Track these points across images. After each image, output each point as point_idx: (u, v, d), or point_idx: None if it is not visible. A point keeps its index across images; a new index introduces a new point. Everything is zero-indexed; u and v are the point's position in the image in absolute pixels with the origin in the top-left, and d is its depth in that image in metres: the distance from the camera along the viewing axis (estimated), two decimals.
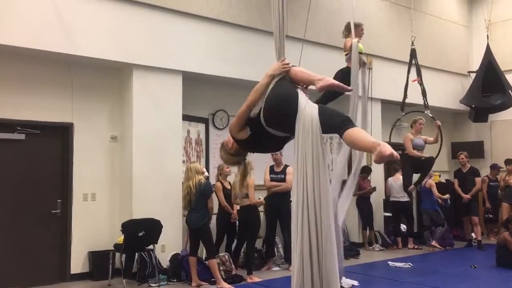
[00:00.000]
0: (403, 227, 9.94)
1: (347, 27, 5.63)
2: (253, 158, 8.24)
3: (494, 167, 10.26)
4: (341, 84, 3.03)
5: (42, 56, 6.48)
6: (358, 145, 2.73)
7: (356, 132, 2.71)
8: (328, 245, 2.83)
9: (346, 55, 5.67)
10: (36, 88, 6.61)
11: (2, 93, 6.33)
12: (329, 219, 2.85)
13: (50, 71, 6.73)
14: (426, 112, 8.20)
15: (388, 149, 2.49)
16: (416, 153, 7.83)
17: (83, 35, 6.51)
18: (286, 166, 7.55)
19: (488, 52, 11.16)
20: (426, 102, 8.17)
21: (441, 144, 8.04)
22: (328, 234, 2.84)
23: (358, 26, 5.60)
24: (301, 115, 2.84)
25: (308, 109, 2.84)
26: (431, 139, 8.07)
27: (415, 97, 8.48)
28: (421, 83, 8.31)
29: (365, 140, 2.65)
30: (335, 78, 5.00)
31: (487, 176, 10.32)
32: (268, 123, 3.00)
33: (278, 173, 7.60)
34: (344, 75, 5.26)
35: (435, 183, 10.04)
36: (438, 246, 9.45)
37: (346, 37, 5.72)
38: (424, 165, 7.93)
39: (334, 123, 2.79)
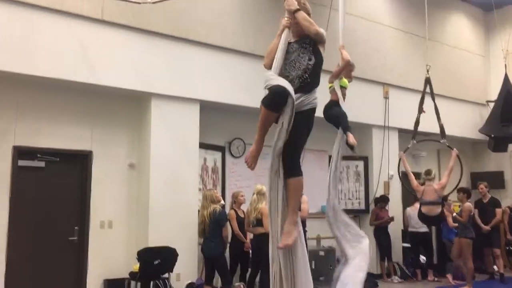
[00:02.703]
0: (422, 258, 9.74)
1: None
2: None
3: None
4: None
5: (64, 85, 6.63)
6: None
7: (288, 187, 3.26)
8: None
9: (330, 87, 5.21)
10: (57, 116, 6.76)
11: (24, 121, 6.48)
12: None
13: (71, 100, 6.88)
14: (413, 142, 8.25)
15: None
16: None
17: (104, 65, 6.68)
18: None
19: (506, 82, 11.08)
20: (443, 133, 8.16)
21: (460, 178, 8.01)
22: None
23: (349, 66, 5.08)
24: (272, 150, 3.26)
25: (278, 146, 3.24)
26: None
27: (429, 125, 8.45)
28: (420, 112, 8.32)
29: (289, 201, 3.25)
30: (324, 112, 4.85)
31: (508, 207, 10.11)
32: None
33: None
34: (327, 110, 4.98)
35: (456, 213, 9.83)
36: (452, 282, 9.19)
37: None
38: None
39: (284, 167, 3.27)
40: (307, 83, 3.36)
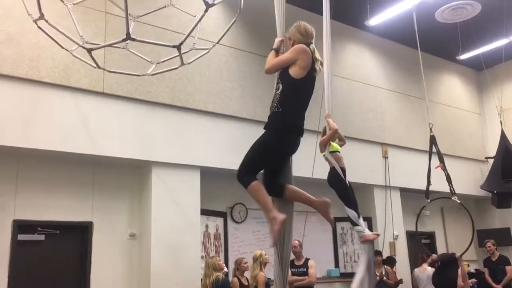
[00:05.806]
0: None
1: (324, 130, 4.96)
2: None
3: None
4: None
5: (66, 157, 6.67)
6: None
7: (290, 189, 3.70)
8: None
9: (323, 156, 4.91)
10: (58, 188, 6.74)
11: (24, 194, 6.45)
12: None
13: (71, 171, 6.89)
14: (453, 198, 7.96)
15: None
16: None
17: (104, 135, 6.75)
18: (307, 259, 7.35)
19: (503, 138, 11.19)
20: (452, 189, 7.95)
21: (472, 235, 7.83)
22: None
23: (337, 134, 4.91)
24: None
25: None
26: None
27: (437, 184, 8.39)
28: (444, 169, 8.17)
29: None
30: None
31: None
32: None
33: (299, 266, 7.37)
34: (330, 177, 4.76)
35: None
36: None
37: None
38: None
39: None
40: (277, 113, 3.62)
